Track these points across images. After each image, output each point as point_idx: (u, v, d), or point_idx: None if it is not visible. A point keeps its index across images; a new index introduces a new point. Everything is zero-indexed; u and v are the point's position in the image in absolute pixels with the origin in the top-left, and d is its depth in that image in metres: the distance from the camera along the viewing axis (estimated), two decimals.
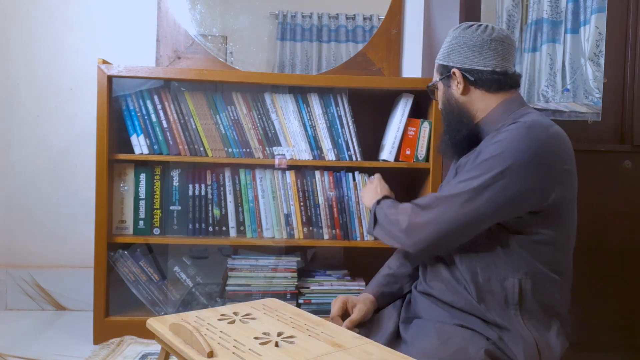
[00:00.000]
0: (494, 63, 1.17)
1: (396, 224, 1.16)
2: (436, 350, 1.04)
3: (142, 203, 1.91)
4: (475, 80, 1.18)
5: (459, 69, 1.19)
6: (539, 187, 1.04)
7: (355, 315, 1.22)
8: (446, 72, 1.22)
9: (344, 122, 1.94)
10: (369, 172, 1.94)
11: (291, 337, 0.92)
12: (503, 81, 1.17)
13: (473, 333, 1.08)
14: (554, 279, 1.10)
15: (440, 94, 1.26)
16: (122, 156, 1.87)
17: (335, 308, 1.24)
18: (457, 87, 1.20)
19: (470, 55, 1.18)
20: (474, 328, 1.09)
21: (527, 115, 1.12)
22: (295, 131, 1.93)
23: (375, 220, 1.24)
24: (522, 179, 1.04)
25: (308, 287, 1.92)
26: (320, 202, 1.93)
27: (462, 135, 1.21)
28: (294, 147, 1.93)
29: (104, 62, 1.79)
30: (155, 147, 1.89)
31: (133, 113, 1.89)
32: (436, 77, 1.26)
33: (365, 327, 1.24)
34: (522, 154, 1.04)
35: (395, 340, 1.18)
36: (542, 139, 1.05)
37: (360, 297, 1.29)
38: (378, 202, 1.27)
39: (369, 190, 1.37)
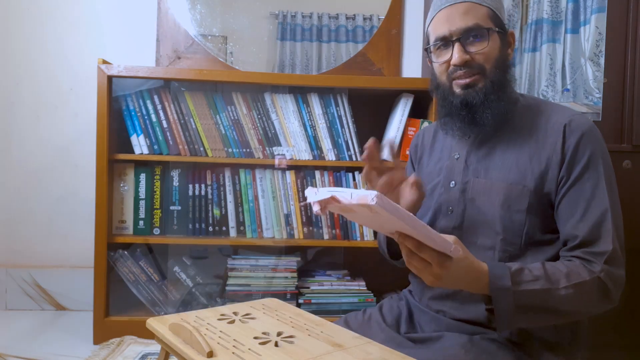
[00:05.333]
0: None
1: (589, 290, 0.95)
2: (460, 357, 0.94)
3: (142, 203, 1.91)
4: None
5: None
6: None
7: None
8: (502, 29, 1.02)
9: (344, 122, 1.94)
10: None
11: (291, 337, 0.91)
12: None
13: (500, 345, 0.99)
14: None
15: (492, 48, 1.00)
16: (122, 156, 1.87)
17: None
18: (508, 52, 1.03)
19: (504, 13, 1.04)
20: (501, 341, 1.00)
21: (559, 106, 1.05)
22: (295, 131, 1.93)
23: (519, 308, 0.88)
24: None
25: (308, 287, 1.92)
26: None
27: (503, 107, 1.01)
28: (294, 147, 1.93)
29: (104, 62, 1.79)
30: (155, 147, 1.89)
31: (133, 113, 1.89)
32: (488, 23, 1.00)
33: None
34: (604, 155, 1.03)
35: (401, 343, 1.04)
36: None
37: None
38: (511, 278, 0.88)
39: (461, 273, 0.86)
